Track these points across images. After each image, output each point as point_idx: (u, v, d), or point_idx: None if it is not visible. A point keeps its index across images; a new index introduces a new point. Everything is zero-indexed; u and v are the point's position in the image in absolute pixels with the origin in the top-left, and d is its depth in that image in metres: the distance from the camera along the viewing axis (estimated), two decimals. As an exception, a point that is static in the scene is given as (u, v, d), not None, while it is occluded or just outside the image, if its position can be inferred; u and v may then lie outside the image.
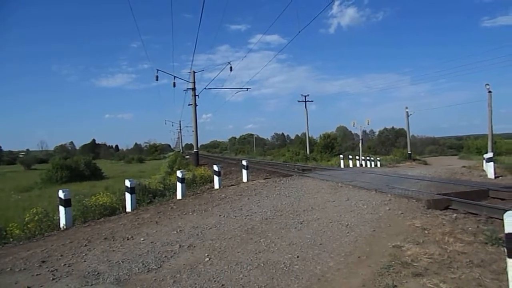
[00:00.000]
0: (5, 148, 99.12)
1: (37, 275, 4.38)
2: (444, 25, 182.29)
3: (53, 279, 4.19)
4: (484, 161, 14.12)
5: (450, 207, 6.60)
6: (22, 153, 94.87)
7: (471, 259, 3.88)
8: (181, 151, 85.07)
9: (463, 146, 61.48)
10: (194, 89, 27.90)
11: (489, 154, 13.84)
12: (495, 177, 12.43)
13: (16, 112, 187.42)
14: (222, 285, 3.73)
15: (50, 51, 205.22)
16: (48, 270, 4.50)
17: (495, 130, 27.79)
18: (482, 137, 46.24)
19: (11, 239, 7.33)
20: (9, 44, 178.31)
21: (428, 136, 76.68)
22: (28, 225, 8.05)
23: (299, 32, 15.44)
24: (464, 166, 18.18)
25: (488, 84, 25.87)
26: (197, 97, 28.17)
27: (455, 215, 5.90)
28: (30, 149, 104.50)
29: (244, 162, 13.54)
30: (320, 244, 4.92)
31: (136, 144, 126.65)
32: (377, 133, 79.18)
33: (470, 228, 5.05)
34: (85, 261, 4.81)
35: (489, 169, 12.91)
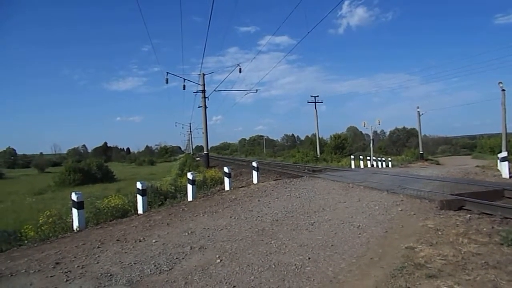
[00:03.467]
0: (19, 152, 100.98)
1: (51, 276, 4.44)
2: (456, 23, 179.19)
3: (66, 280, 4.25)
4: (499, 161, 13.86)
5: (463, 207, 6.49)
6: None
7: (486, 260, 3.80)
8: (192, 153, 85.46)
9: (476, 146, 60.61)
10: (204, 91, 28.05)
11: (504, 153, 13.59)
12: (510, 177, 12.19)
13: (29, 116, 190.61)
14: (234, 286, 3.73)
15: (62, 54, 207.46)
16: (62, 272, 4.56)
17: (509, 128, 27.33)
18: (495, 136, 45.48)
19: (25, 241, 7.45)
20: (21, 48, 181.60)
21: (440, 135, 75.67)
22: (42, 227, 8.18)
23: (308, 32, 15.52)
24: (477, 166, 17.89)
25: (501, 82, 25.49)
26: (207, 99, 28.34)
27: (469, 215, 5.80)
28: (44, 153, 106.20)
29: (254, 164, 13.54)
30: (332, 245, 4.89)
31: (147, 146, 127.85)
32: (388, 133, 78.74)
33: (484, 229, 4.96)
34: (98, 263, 4.86)
35: (504, 168, 12.66)
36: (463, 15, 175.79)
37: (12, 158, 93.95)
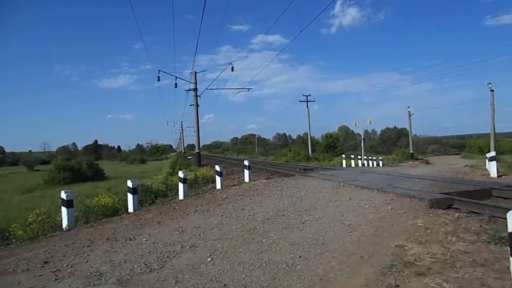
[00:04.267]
0: (7, 150, 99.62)
1: (39, 275, 4.38)
2: (446, 24, 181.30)
3: (55, 279, 4.20)
4: (487, 160, 14.04)
5: (452, 206, 6.57)
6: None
7: (474, 258, 3.85)
8: (183, 151, 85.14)
9: (465, 145, 61.23)
10: (195, 89, 27.90)
11: (492, 153, 13.77)
12: (498, 176, 12.36)
13: (18, 114, 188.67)
14: (225, 285, 3.73)
15: (52, 53, 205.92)
16: (51, 271, 4.50)
17: (497, 129, 27.84)
18: (484, 136, 46.07)
19: (13, 240, 7.35)
20: (11, 46, 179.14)
21: (430, 135, 76.31)
22: (31, 226, 8.09)
23: (300, 31, 15.38)
24: (466, 165, 18.11)
25: (490, 83, 25.85)
26: (198, 97, 28.18)
27: (457, 214, 5.87)
28: (33, 150, 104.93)
29: (246, 162, 13.53)
30: (322, 244, 4.91)
31: (138, 144, 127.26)
32: (379, 132, 79.28)
33: (473, 227, 5.03)
34: (87, 262, 4.81)
35: (492, 168, 12.83)
36: (454, 17, 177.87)
37: (0, 155, 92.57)
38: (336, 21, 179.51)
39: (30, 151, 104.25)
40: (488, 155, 13.88)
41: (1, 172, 55.19)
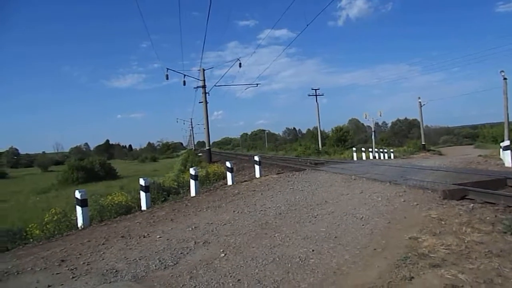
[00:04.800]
0: (22, 152, 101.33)
1: (57, 274, 4.47)
2: (457, 12, 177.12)
3: (72, 277, 4.28)
4: (501, 150, 13.80)
5: (466, 197, 6.48)
6: None
7: (489, 249, 3.80)
8: (193, 148, 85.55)
9: (478, 135, 60.27)
10: (204, 86, 28.04)
11: (506, 142, 13.51)
12: (513, 166, 12.14)
13: (31, 116, 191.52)
14: (238, 280, 3.75)
15: (60, 54, 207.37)
16: (68, 269, 4.59)
17: (511, 117, 27.19)
18: (498, 125, 45.25)
19: (31, 239, 7.51)
20: (19, 46, 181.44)
21: (442, 126, 75.34)
22: (47, 225, 8.25)
23: (307, 25, 15.38)
24: (480, 155, 17.86)
25: (503, 71, 25.34)
26: (207, 94, 28.32)
27: (472, 205, 5.79)
28: (46, 151, 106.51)
29: (256, 158, 13.56)
30: (335, 237, 4.90)
31: (149, 143, 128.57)
32: (389, 124, 78.53)
33: (488, 218, 4.96)
34: (103, 259, 4.89)
35: (506, 157, 12.60)
36: (464, 4, 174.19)
37: (15, 157, 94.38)
38: (343, 13, 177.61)
39: (43, 152, 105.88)
40: (502, 144, 13.63)
41: (16, 174, 56.23)
